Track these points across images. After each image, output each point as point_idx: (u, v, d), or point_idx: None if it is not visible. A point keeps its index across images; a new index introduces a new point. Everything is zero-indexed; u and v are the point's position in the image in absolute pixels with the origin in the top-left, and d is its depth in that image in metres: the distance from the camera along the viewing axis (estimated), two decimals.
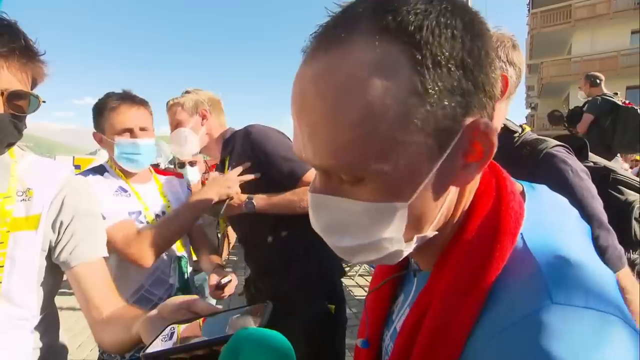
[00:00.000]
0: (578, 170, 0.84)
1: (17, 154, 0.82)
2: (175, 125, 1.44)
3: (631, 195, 0.98)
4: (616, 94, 3.32)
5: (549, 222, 0.41)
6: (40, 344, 0.80)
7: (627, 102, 3.19)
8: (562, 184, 0.80)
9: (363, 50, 0.32)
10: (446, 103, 0.33)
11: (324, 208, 0.39)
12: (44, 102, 0.79)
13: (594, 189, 0.84)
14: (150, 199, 1.37)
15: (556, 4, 17.27)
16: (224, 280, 1.27)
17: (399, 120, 0.32)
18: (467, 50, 0.33)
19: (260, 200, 1.28)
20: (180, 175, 1.60)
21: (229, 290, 1.31)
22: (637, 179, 1.02)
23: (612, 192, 0.98)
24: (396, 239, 0.38)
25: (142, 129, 1.29)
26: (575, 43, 17.43)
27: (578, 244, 0.39)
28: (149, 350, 0.47)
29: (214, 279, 1.31)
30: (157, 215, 1.36)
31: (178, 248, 1.40)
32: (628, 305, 0.76)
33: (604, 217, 0.82)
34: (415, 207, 0.36)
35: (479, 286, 0.36)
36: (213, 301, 2.02)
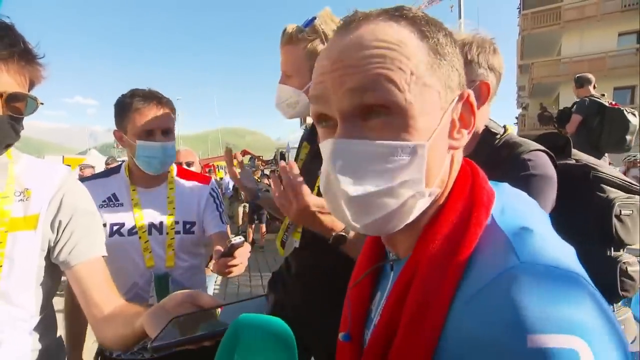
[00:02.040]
0: (545, 177, 0.85)
1: (14, 155, 0.82)
2: (290, 74, 1.15)
3: (613, 192, 0.98)
4: (603, 95, 3.41)
5: (514, 207, 0.46)
6: (39, 346, 0.80)
7: (613, 103, 3.28)
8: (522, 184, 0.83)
9: (392, 25, 0.42)
10: (451, 71, 0.44)
11: (347, 153, 0.42)
12: (41, 103, 0.79)
13: (551, 199, 0.85)
14: (151, 206, 1.29)
15: (546, 6, 17.54)
16: (235, 240, 0.98)
17: (427, 69, 0.42)
18: (453, 47, 0.45)
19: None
20: (205, 180, 1.41)
21: (242, 256, 1.03)
22: (621, 176, 1.02)
23: (593, 189, 0.98)
24: (415, 180, 0.41)
25: (164, 132, 1.25)
26: (564, 44, 17.72)
27: (540, 223, 0.44)
28: (157, 343, 0.48)
29: (219, 245, 1.06)
30: (151, 225, 1.27)
31: (168, 261, 1.26)
32: None
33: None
34: (430, 154, 0.42)
35: (458, 255, 0.40)
36: None
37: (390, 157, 0.40)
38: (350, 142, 0.41)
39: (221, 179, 11.21)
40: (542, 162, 0.88)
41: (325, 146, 0.43)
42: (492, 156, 0.92)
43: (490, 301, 0.34)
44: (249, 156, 13.07)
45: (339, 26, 0.45)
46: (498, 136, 0.98)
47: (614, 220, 0.96)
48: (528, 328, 0.31)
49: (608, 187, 0.99)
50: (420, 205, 0.43)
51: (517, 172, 0.86)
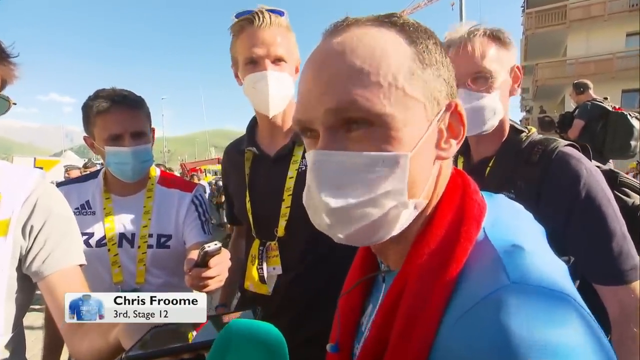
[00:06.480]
0: (591, 169, 0.90)
1: None
2: (274, 58, 1.08)
3: (637, 198, 1.04)
4: (606, 98, 3.48)
5: (506, 221, 0.48)
6: None
7: (616, 107, 3.36)
8: (575, 181, 0.87)
9: (380, 30, 0.45)
10: (436, 81, 0.46)
11: (328, 165, 0.44)
12: (14, 104, 0.80)
13: (608, 191, 0.89)
14: (124, 216, 1.26)
15: (551, 4, 17.90)
16: (209, 246, 0.82)
17: (409, 78, 0.43)
18: (443, 56, 0.48)
19: None
20: (189, 187, 1.36)
21: (219, 266, 0.87)
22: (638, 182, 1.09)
23: (620, 194, 1.02)
24: (397, 190, 0.43)
25: (133, 135, 1.19)
26: (570, 44, 18.07)
27: (531, 239, 0.46)
28: (132, 352, 0.49)
29: (194, 253, 0.93)
30: (122, 237, 1.24)
31: (138, 276, 1.23)
32: None
33: (618, 224, 0.86)
34: (413, 165, 0.43)
35: (448, 272, 0.41)
36: None
37: (371, 167, 0.42)
38: (331, 154, 0.43)
39: (209, 183, 11.15)
40: (583, 155, 0.95)
41: (308, 157, 0.46)
42: (521, 155, 0.98)
43: (477, 321, 0.36)
44: None
45: (327, 30, 0.47)
46: (523, 135, 1.03)
47: None
48: (513, 353, 0.32)
49: (631, 192, 1.05)
50: (405, 217, 0.45)
51: (563, 166, 0.90)
